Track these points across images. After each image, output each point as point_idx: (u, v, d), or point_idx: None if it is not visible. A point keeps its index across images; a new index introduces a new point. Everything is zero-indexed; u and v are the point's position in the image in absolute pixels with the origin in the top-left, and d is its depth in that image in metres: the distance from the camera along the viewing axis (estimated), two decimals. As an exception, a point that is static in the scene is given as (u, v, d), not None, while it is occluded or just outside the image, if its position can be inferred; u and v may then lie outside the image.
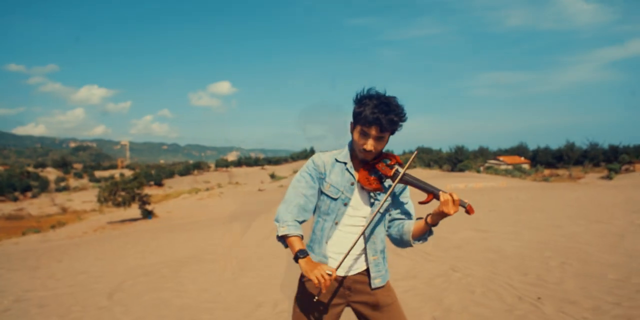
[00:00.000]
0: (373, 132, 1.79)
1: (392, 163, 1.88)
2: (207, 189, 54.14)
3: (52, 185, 79.45)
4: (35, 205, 55.08)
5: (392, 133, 1.85)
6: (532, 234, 6.94)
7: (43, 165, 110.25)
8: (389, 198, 1.95)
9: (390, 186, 1.92)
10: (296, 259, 1.76)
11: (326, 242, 1.93)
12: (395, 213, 2.00)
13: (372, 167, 1.89)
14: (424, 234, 1.91)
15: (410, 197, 2.04)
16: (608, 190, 15.18)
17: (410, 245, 1.95)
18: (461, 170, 56.63)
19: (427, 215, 1.87)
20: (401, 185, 1.98)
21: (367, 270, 1.95)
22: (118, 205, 28.28)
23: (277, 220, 1.88)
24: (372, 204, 1.94)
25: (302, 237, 1.86)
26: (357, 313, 1.98)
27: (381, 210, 1.93)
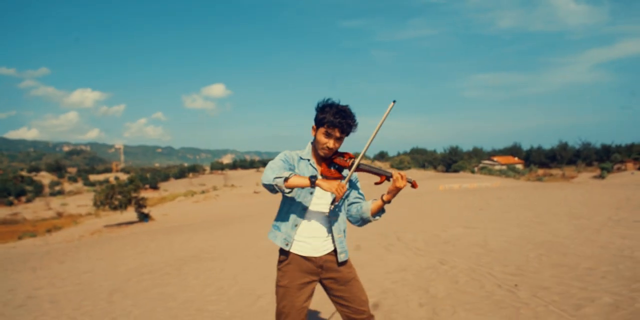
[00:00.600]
0: (336, 133, 2.20)
1: (347, 158, 2.29)
2: (203, 192, 54.27)
3: (47, 190, 79.19)
4: (30, 210, 54.97)
5: (347, 135, 2.25)
6: (517, 230, 7.31)
7: (37, 170, 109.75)
8: (347, 185, 2.34)
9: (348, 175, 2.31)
10: (313, 182, 2.04)
11: (296, 226, 2.30)
12: (352, 197, 2.41)
13: (331, 161, 2.30)
14: (379, 211, 2.33)
15: (368, 181, 2.45)
16: (596, 189, 15.63)
17: (369, 221, 2.35)
18: (456, 171, 57.12)
19: (382, 195, 2.28)
20: (355, 175, 2.39)
21: (335, 251, 2.34)
22: (115, 208, 28.43)
23: (268, 178, 2.07)
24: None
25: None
26: (326, 288, 2.38)
27: (343, 196, 2.33)
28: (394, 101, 2.13)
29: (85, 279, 7.21)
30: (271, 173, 2.10)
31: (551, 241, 6.08)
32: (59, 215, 46.48)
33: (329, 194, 2.31)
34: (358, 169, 2.25)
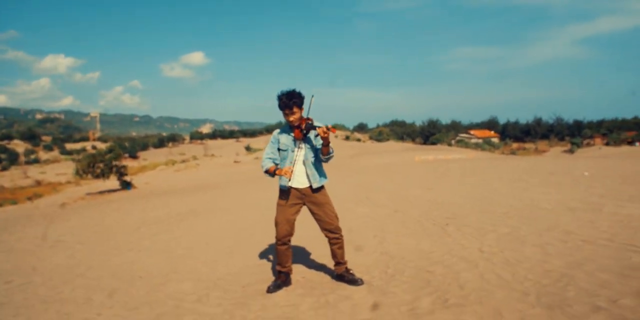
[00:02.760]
0: (287, 111, 3.41)
1: (307, 122, 3.41)
2: (183, 161, 54.88)
3: (22, 158, 78.14)
4: (6, 178, 54.58)
5: (299, 106, 3.41)
6: (464, 189, 8.78)
7: (9, 137, 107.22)
8: (309, 139, 3.54)
9: (307, 133, 3.51)
10: (274, 173, 3.49)
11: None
12: (317, 146, 3.57)
13: (299, 126, 3.47)
14: (327, 152, 3.43)
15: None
16: (547, 160, 17.35)
17: (326, 158, 3.48)
18: (433, 143, 58.77)
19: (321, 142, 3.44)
20: (313, 132, 3.50)
21: (310, 186, 3.59)
22: (97, 177, 29.07)
23: (263, 167, 3.55)
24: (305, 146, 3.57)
25: (276, 165, 3.60)
26: (308, 208, 3.67)
27: (308, 145, 3.53)
28: (313, 95, 3.34)
29: (99, 230, 8.39)
30: (263, 166, 3.56)
31: (487, 197, 7.55)
32: (38, 183, 46.52)
33: (302, 152, 3.55)
34: (307, 131, 3.39)
